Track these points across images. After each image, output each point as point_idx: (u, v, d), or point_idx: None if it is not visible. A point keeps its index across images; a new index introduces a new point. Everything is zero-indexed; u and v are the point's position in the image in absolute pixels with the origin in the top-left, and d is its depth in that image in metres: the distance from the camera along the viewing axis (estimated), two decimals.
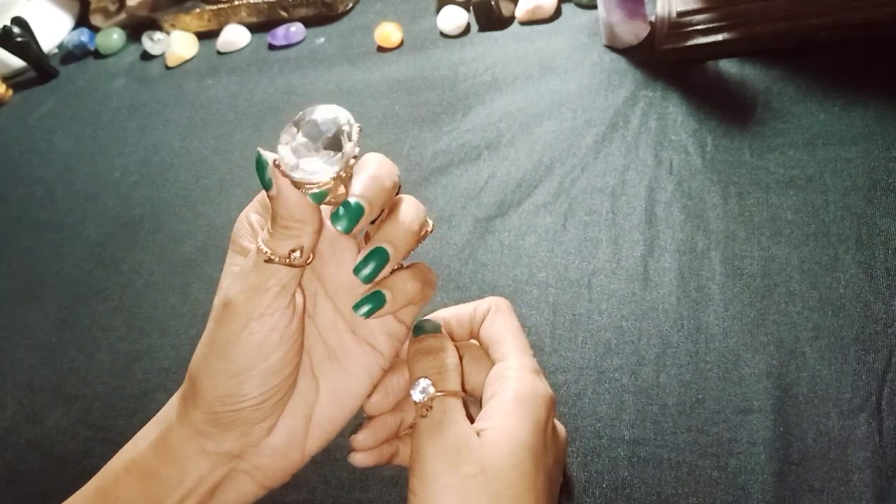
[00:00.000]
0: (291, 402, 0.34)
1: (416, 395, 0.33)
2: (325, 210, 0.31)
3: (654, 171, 0.57)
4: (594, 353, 0.48)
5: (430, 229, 0.34)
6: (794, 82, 0.59)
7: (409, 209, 0.32)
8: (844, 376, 0.43)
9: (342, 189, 0.30)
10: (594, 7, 0.72)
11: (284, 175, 0.29)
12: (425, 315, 0.38)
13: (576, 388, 0.47)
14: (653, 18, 0.67)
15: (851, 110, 0.55)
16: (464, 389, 0.36)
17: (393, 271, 0.33)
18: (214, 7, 0.92)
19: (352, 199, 0.30)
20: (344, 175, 0.30)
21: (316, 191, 0.29)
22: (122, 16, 1.01)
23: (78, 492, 0.34)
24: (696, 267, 0.50)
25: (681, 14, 0.64)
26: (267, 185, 0.29)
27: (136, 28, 0.98)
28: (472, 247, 0.57)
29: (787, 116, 0.57)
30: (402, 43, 0.80)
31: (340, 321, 0.36)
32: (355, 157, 0.30)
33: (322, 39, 0.86)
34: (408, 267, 0.34)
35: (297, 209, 0.30)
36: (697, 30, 0.63)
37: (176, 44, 0.91)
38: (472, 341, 0.38)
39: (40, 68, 0.97)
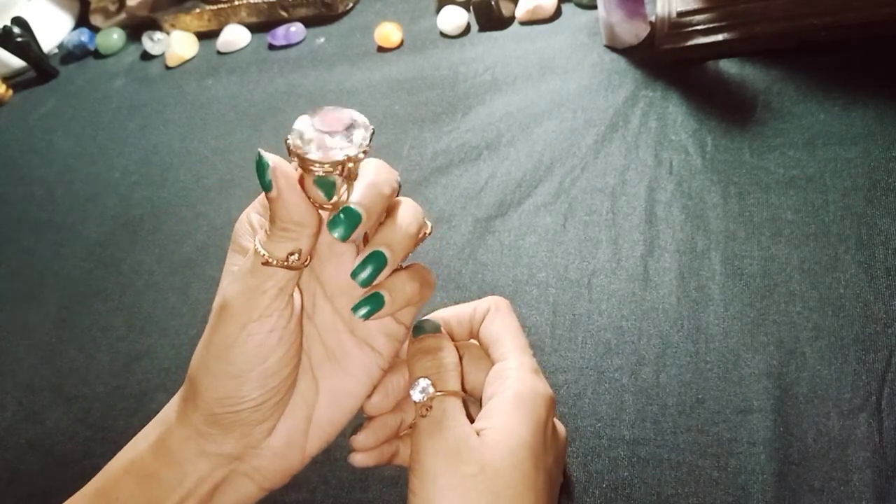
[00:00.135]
0: (291, 404, 0.34)
1: (416, 395, 0.34)
2: (324, 213, 0.31)
3: (654, 171, 0.57)
4: (594, 353, 0.48)
5: (428, 232, 0.34)
6: (794, 82, 0.59)
7: (408, 212, 0.32)
8: (844, 376, 0.43)
9: (343, 191, 0.30)
10: (594, 7, 0.72)
11: (295, 154, 0.29)
12: (425, 315, 0.38)
13: (576, 388, 0.47)
14: (653, 18, 0.67)
15: (851, 110, 0.55)
16: (463, 389, 0.36)
17: (391, 272, 0.33)
18: (214, 7, 0.92)
19: (350, 206, 0.30)
20: (352, 166, 0.29)
21: (321, 172, 0.29)
22: (122, 16, 1.01)
23: (77, 493, 0.34)
24: (696, 267, 0.50)
25: (681, 14, 0.64)
26: (267, 187, 0.29)
27: (136, 28, 0.98)
28: (472, 247, 0.57)
29: (787, 116, 0.57)
30: (402, 43, 0.80)
31: (339, 322, 0.36)
32: (365, 151, 0.30)
33: (322, 39, 0.86)
34: (406, 268, 0.34)
35: (296, 211, 0.29)
36: (697, 30, 0.63)
37: (176, 44, 0.91)
38: (472, 341, 0.38)
39: (40, 68, 0.97)
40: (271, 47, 0.88)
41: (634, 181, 0.57)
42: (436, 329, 0.37)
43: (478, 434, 0.32)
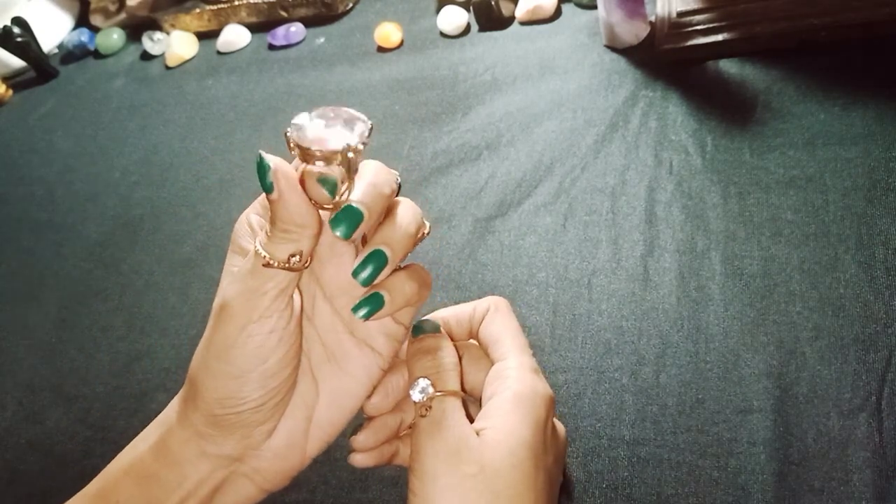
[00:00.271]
0: (291, 405, 0.34)
1: (416, 395, 0.34)
2: (324, 214, 0.31)
3: (654, 171, 0.57)
4: (594, 353, 0.48)
5: (427, 232, 0.34)
6: (794, 82, 0.59)
7: (407, 212, 0.32)
8: (844, 376, 0.43)
9: (344, 189, 0.30)
10: (594, 7, 0.72)
11: (296, 145, 0.29)
12: (424, 315, 0.38)
13: (576, 388, 0.47)
14: (653, 18, 0.67)
15: (851, 110, 0.55)
16: (463, 389, 0.36)
17: (391, 273, 0.33)
18: (214, 7, 0.92)
19: (352, 204, 0.30)
20: (353, 157, 0.30)
21: (321, 162, 0.29)
22: (122, 16, 1.01)
23: (77, 494, 0.34)
24: (696, 267, 0.50)
25: (681, 14, 0.64)
26: (268, 189, 0.29)
27: (136, 28, 0.98)
28: (472, 247, 0.57)
29: (787, 116, 0.57)
30: (402, 43, 0.80)
31: (339, 323, 0.36)
32: (365, 143, 0.30)
33: (322, 39, 0.86)
34: (404, 268, 0.34)
35: (298, 213, 0.29)
36: (697, 30, 0.63)
37: (176, 44, 0.91)
38: (472, 341, 0.38)
39: (40, 68, 0.97)
40: (271, 47, 0.88)
41: (634, 181, 0.57)
42: (435, 329, 0.37)
43: (478, 434, 0.32)
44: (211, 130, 0.80)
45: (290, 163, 0.31)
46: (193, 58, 0.92)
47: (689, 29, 0.63)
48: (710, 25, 0.63)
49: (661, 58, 0.65)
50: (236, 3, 0.91)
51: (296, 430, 0.35)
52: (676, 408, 0.44)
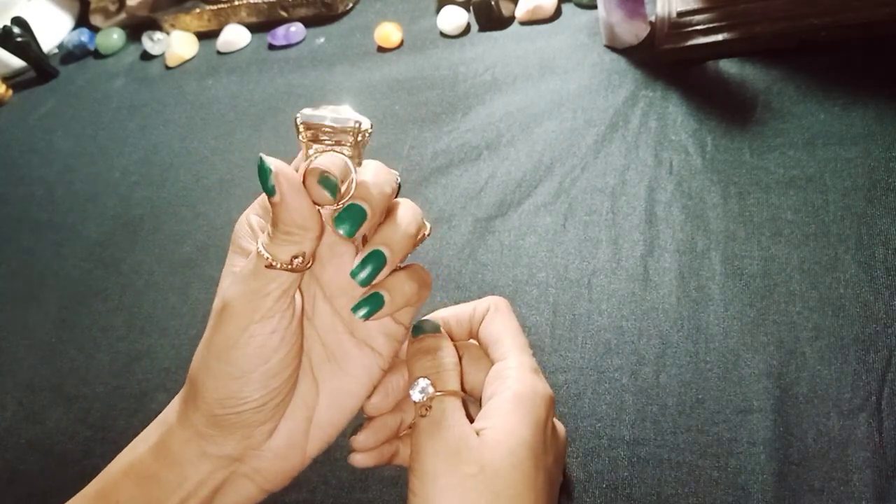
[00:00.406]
0: (292, 405, 0.34)
1: (416, 395, 0.34)
2: (325, 213, 0.31)
3: (654, 171, 0.57)
4: (594, 353, 0.48)
5: (427, 233, 0.34)
6: (794, 82, 0.59)
7: (407, 212, 0.33)
8: (844, 376, 0.43)
9: (345, 188, 0.30)
10: (594, 7, 0.72)
11: (306, 126, 0.29)
12: (424, 315, 0.38)
13: (576, 388, 0.47)
14: (653, 18, 0.67)
15: (851, 110, 0.55)
16: (463, 389, 0.36)
17: (390, 273, 0.33)
18: (214, 7, 0.92)
19: (355, 202, 0.30)
20: (361, 139, 0.30)
21: (331, 141, 0.29)
22: (122, 16, 1.01)
23: (77, 495, 0.34)
24: (696, 267, 0.50)
25: (681, 14, 0.64)
26: (270, 192, 0.29)
27: (136, 28, 0.98)
28: (472, 247, 0.57)
29: (787, 116, 0.57)
30: (402, 43, 0.80)
31: (339, 323, 0.36)
32: (369, 132, 0.30)
33: (322, 39, 0.86)
34: (404, 268, 0.34)
35: (300, 215, 0.29)
36: (697, 30, 0.63)
37: (176, 44, 0.91)
38: (472, 341, 0.38)
39: (40, 68, 0.98)
40: (271, 47, 0.88)
41: (634, 181, 0.57)
42: (435, 329, 0.37)
43: (477, 434, 0.32)
44: (211, 130, 0.80)
45: (291, 163, 0.31)
46: (193, 58, 0.92)
47: (689, 29, 0.63)
48: (710, 25, 0.63)
49: (661, 58, 0.65)
50: (236, 3, 0.91)
51: (296, 431, 0.35)
52: (676, 408, 0.44)
